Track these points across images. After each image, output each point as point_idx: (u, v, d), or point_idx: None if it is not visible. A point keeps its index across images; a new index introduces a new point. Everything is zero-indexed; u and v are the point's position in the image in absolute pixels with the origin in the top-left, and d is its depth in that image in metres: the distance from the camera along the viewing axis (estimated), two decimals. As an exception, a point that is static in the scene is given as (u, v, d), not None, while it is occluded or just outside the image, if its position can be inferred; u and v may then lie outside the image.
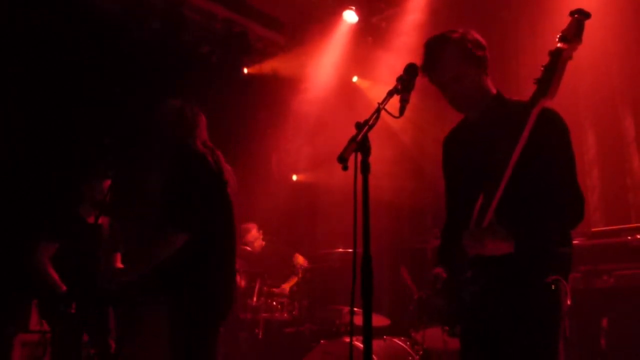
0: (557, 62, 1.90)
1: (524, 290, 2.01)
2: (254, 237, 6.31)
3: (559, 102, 2.05)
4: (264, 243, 6.38)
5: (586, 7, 1.93)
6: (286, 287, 5.83)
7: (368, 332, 1.69)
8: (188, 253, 2.87)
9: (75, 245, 4.24)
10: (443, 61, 2.17)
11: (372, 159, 1.85)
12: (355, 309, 3.97)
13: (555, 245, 2.07)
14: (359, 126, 1.85)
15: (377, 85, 6.96)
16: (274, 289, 5.74)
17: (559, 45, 1.91)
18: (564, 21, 1.94)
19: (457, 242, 2.08)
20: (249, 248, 6.11)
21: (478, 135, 2.16)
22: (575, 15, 1.91)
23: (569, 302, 2.03)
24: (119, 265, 4.60)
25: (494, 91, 2.23)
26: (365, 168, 1.79)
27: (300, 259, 5.77)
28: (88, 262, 4.22)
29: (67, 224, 4.35)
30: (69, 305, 4.05)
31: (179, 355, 2.84)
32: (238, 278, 5.77)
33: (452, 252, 2.18)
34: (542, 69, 1.92)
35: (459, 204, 2.24)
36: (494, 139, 2.04)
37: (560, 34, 1.91)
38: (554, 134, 2.05)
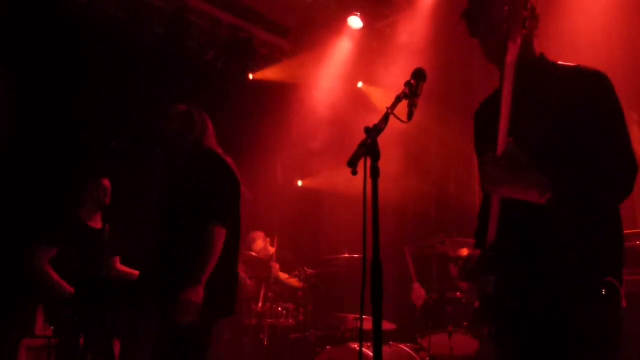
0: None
1: (563, 299, 1.70)
2: (259, 247, 6.29)
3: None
4: (271, 252, 6.30)
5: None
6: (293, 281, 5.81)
7: (378, 339, 1.68)
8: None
9: (77, 248, 4.25)
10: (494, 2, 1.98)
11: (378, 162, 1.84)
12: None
13: (602, 233, 1.74)
14: (368, 131, 1.84)
15: (382, 90, 6.96)
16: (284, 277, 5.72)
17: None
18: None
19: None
20: (254, 254, 6.09)
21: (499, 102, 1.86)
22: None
23: (624, 304, 1.73)
24: (120, 267, 4.59)
25: (537, 53, 2.03)
26: (375, 172, 1.79)
27: (275, 269, 5.79)
28: (89, 265, 4.22)
29: (68, 228, 4.36)
30: (72, 309, 4.05)
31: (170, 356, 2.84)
32: (249, 282, 5.78)
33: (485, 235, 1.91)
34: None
35: None
36: (525, 104, 1.83)
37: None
38: (597, 96, 1.81)
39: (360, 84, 7.30)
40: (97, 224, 4.46)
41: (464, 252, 4.84)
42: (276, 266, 5.89)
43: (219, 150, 3.14)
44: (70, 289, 4.10)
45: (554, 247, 1.73)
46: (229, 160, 3.11)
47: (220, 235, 2.87)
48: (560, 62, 1.99)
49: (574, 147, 1.74)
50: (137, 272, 4.51)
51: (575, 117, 1.77)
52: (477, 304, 1.95)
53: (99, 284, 4.13)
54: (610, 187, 1.72)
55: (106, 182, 4.48)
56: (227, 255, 2.98)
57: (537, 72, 1.97)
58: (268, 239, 6.33)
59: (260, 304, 5.60)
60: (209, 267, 2.84)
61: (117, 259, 4.60)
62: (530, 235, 1.79)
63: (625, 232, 1.80)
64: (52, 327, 4.26)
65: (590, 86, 1.83)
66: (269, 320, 5.54)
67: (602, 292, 1.69)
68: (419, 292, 4.69)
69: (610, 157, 1.72)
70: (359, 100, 7.10)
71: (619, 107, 1.83)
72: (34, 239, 4.34)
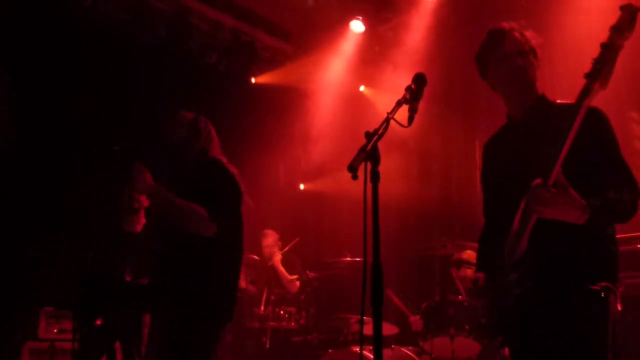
0: (609, 53, 1.91)
1: (572, 297, 2.00)
2: (267, 242, 6.31)
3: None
4: (279, 255, 6.32)
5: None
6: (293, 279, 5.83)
7: (378, 342, 1.69)
8: (208, 255, 2.90)
9: (109, 253, 4.26)
10: (510, 36, 2.29)
11: (379, 166, 1.85)
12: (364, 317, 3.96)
13: (605, 245, 2.07)
14: (369, 135, 1.85)
15: (383, 94, 6.97)
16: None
17: (612, 36, 1.92)
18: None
19: (498, 248, 2.09)
20: (256, 257, 6.11)
21: (521, 138, 2.15)
22: (627, 8, 1.93)
23: (619, 307, 2.02)
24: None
25: (540, 92, 2.28)
26: (375, 177, 1.80)
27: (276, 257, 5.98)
28: (118, 270, 4.24)
29: (104, 232, 4.38)
30: (98, 314, 4.07)
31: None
32: (249, 285, 5.79)
33: (493, 258, 2.17)
34: (592, 61, 1.93)
35: (500, 209, 2.23)
36: (539, 142, 2.04)
37: (612, 26, 1.93)
38: (603, 130, 2.11)
39: (362, 88, 7.31)
40: (133, 228, 4.48)
41: (466, 255, 4.84)
42: (277, 254, 6.02)
43: (224, 160, 3.15)
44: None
45: (574, 261, 2.02)
46: (233, 170, 3.13)
47: (208, 223, 2.86)
48: (558, 101, 2.23)
49: (595, 175, 2.04)
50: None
51: (587, 151, 2.02)
52: (483, 319, 2.23)
53: (105, 287, 4.14)
54: (629, 209, 2.04)
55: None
56: (229, 263, 3.00)
57: (543, 111, 2.21)
58: (280, 243, 6.37)
59: (262, 307, 5.61)
60: (182, 206, 2.89)
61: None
62: (558, 253, 2.04)
63: (625, 235, 2.02)
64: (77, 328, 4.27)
65: (593, 125, 2.06)
66: (271, 324, 5.54)
67: (601, 294, 1.96)
68: (416, 322, 4.73)
69: (622, 184, 2.04)
70: (361, 104, 7.12)
71: (615, 135, 2.14)
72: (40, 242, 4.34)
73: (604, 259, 2.06)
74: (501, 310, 2.12)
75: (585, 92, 1.90)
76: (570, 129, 1.88)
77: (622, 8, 1.93)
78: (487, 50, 2.33)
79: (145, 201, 4.18)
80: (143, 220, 4.41)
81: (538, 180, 1.92)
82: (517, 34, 2.28)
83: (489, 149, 2.48)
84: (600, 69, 1.88)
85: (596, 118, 2.11)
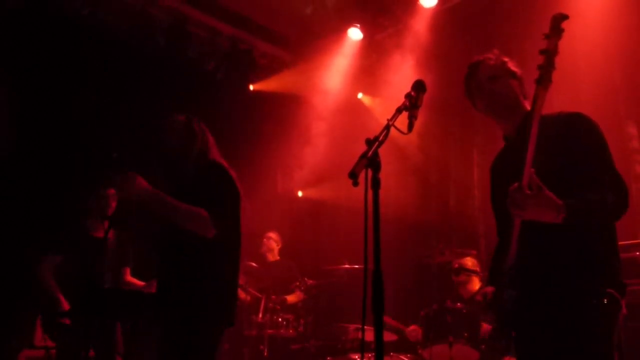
0: (548, 58, 2.03)
1: (570, 303, 2.02)
2: (271, 247, 6.37)
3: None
4: (278, 258, 6.39)
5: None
6: (289, 298, 5.83)
7: (380, 349, 1.68)
8: (206, 259, 2.89)
9: (80, 258, 4.25)
10: (483, 64, 2.43)
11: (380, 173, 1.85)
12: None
13: (602, 252, 2.09)
14: (369, 142, 1.86)
15: (381, 101, 6.99)
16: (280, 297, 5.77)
17: (547, 43, 2.05)
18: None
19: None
20: (254, 264, 6.10)
21: (514, 157, 2.17)
22: (555, 16, 2.07)
23: (624, 312, 2.03)
24: (129, 279, 4.60)
25: (529, 108, 2.29)
26: (376, 184, 1.80)
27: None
28: (92, 275, 4.22)
29: (73, 237, 4.37)
30: (69, 319, 4.05)
31: None
32: (243, 294, 5.77)
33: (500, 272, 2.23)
34: (537, 68, 2.06)
35: (506, 227, 2.27)
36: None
37: (545, 34, 2.06)
38: (587, 134, 2.16)
39: (360, 95, 7.33)
40: (100, 233, 4.47)
41: (464, 262, 4.85)
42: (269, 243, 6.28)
43: (224, 163, 3.15)
44: (65, 304, 4.11)
45: (564, 264, 2.06)
46: (233, 173, 3.13)
47: (208, 224, 2.84)
48: (544, 114, 2.25)
49: (577, 177, 2.09)
50: (143, 284, 4.52)
51: (571, 154, 2.12)
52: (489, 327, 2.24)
53: (98, 294, 4.12)
54: (610, 211, 2.06)
55: (111, 192, 4.48)
56: (227, 266, 3.00)
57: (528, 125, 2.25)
58: (280, 244, 6.50)
59: (260, 315, 5.59)
60: (178, 208, 2.86)
61: (127, 270, 4.61)
62: (545, 255, 2.09)
63: (625, 242, 2.03)
64: (47, 336, 4.26)
65: (577, 127, 2.18)
66: (269, 331, 5.52)
67: (604, 301, 1.98)
68: (412, 332, 4.73)
69: (605, 186, 2.05)
70: (359, 111, 7.13)
71: (602, 138, 2.17)
72: (38, 247, 4.35)
73: (601, 263, 2.06)
74: (503, 320, 2.19)
75: (536, 97, 2.03)
76: (530, 132, 1.99)
77: (552, 17, 2.08)
78: (468, 83, 2.48)
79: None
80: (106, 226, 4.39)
81: (514, 185, 1.99)
82: (490, 62, 2.41)
83: (493, 170, 2.57)
84: (544, 73, 2.01)
85: (580, 122, 2.19)
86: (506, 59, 2.43)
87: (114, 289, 4.28)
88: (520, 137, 2.25)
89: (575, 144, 2.13)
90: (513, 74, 2.39)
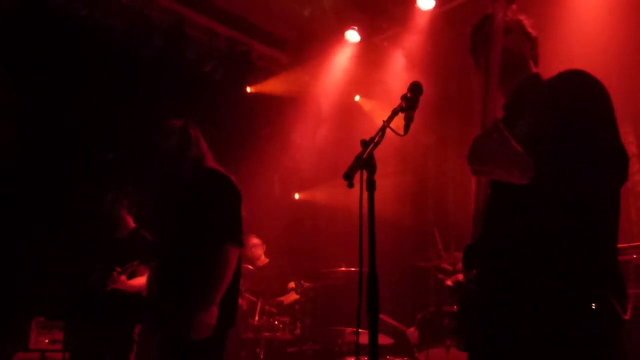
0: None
1: (552, 307, 1.64)
2: (257, 254, 6.35)
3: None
4: (267, 260, 6.41)
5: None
6: (286, 300, 5.82)
7: (374, 352, 1.66)
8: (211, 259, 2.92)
9: (104, 262, 4.25)
10: (495, 18, 1.94)
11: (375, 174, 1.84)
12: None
13: (596, 251, 1.70)
14: (365, 144, 1.83)
15: (379, 104, 6.98)
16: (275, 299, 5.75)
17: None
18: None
19: None
20: (250, 267, 6.09)
21: (506, 122, 1.80)
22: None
23: (627, 317, 1.65)
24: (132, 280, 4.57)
25: (534, 71, 2.09)
26: (371, 185, 1.78)
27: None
28: (92, 276, 4.22)
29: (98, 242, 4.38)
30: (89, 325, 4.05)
31: None
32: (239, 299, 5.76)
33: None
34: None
35: None
36: (514, 115, 1.94)
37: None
38: (574, 96, 1.79)
39: (357, 97, 7.32)
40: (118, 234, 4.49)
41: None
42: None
43: (222, 169, 3.15)
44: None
45: (539, 255, 1.71)
46: (233, 178, 3.13)
47: (234, 255, 2.93)
48: (548, 77, 2.01)
49: (560, 139, 1.70)
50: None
51: (558, 115, 1.76)
52: (455, 307, 1.94)
53: (97, 298, 4.12)
54: (595, 169, 1.64)
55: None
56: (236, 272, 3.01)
57: (525, 91, 2.02)
58: (265, 246, 6.49)
59: (256, 318, 5.57)
60: (224, 288, 2.88)
61: (130, 271, 4.59)
62: (514, 236, 1.78)
63: (621, 246, 1.83)
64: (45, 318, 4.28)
65: (570, 84, 1.84)
66: (266, 334, 5.51)
67: (592, 306, 1.61)
68: (412, 334, 4.70)
69: (597, 144, 1.66)
70: (356, 114, 7.12)
71: (600, 95, 1.80)
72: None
73: (588, 256, 1.67)
74: (461, 310, 1.94)
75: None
76: (490, 59, 1.79)
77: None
78: (475, 35, 2.21)
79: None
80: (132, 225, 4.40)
81: (480, 133, 1.70)
82: (500, 15, 1.93)
83: None
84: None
85: (569, 81, 1.86)
86: (523, 17, 2.13)
87: (114, 290, 4.26)
88: (512, 100, 2.04)
89: (569, 102, 1.77)
90: (527, 34, 2.11)
